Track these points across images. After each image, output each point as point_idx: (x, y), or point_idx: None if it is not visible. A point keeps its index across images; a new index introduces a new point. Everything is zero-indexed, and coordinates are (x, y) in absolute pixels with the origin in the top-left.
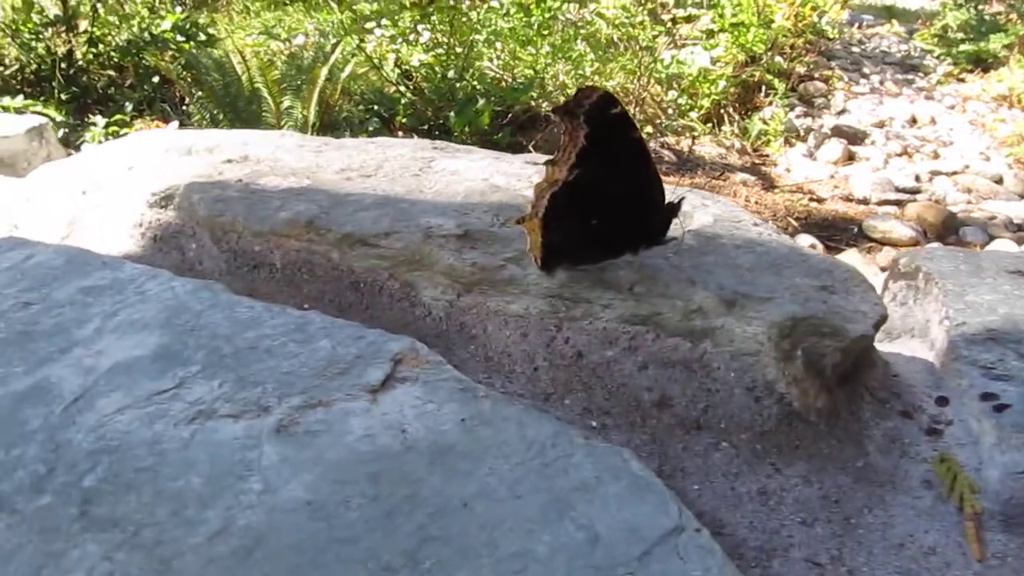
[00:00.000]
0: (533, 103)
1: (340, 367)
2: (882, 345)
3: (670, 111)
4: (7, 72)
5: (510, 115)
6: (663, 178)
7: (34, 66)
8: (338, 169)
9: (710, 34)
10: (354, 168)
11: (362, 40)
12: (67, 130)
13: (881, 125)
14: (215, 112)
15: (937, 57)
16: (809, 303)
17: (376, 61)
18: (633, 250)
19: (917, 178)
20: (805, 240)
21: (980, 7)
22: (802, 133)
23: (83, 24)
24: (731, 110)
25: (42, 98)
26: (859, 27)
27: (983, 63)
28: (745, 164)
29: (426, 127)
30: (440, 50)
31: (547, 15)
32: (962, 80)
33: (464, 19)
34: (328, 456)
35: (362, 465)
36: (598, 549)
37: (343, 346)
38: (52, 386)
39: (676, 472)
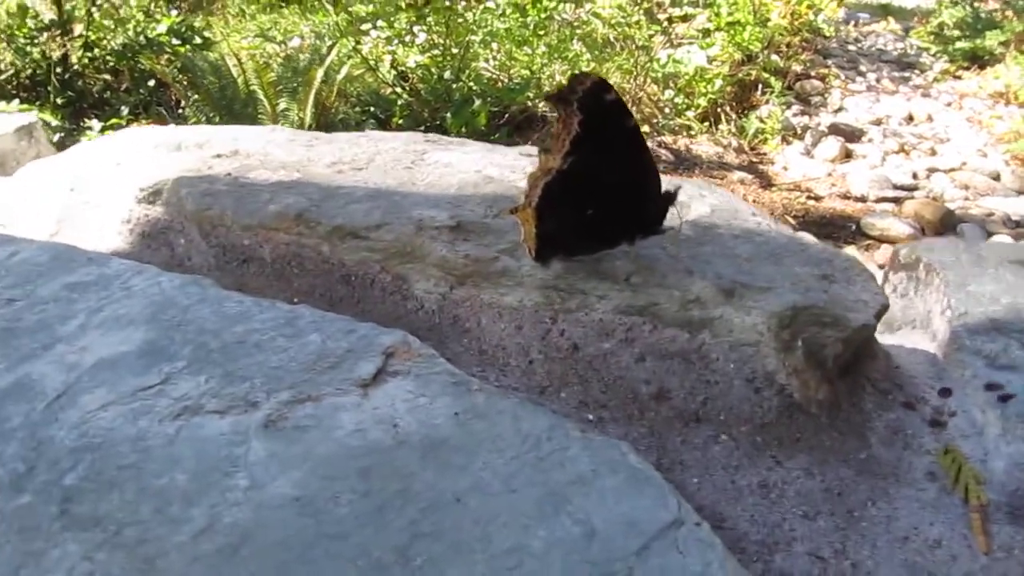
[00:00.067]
0: (530, 103)
1: (330, 361)
2: (883, 337)
3: (667, 110)
4: (2, 77)
5: (507, 115)
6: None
7: (29, 71)
8: (329, 163)
9: (706, 33)
10: (345, 161)
11: (358, 42)
12: (63, 134)
13: (878, 123)
14: (211, 115)
15: (933, 54)
16: (809, 292)
17: (372, 63)
18: (629, 240)
19: (915, 175)
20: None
21: (976, 4)
22: (799, 131)
23: (78, 28)
24: (728, 109)
25: (38, 103)
26: (855, 25)
27: (979, 60)
28: (742, 163)
29: (423, 128)
30: (436, 51)
31: (543, 15)
32: (959, 77)
33: (460, 20)
34: (317, 451)
35: (352, 460)
36: (595, 543)
37: (333, 340)
38: (34, 383)
39: (675, 465)
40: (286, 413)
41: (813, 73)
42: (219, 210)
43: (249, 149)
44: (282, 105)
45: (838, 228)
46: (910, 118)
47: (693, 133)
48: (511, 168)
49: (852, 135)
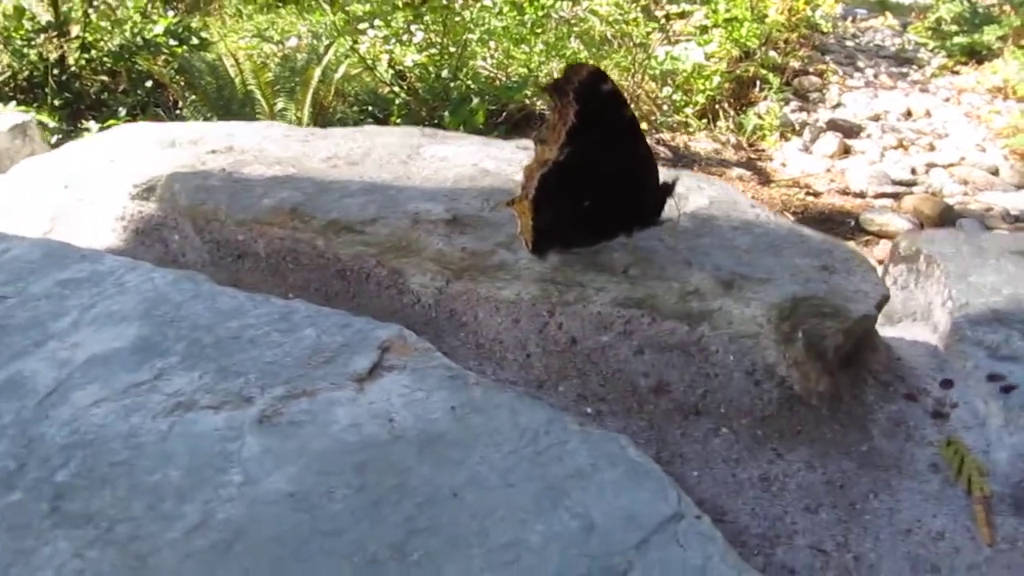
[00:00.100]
0: (527, 101)
1: (325, 356)
2: (883, 330)
3: (665, 107)
4: None
5: (504, 114)
6: None
7: (26, 72)
8: (324, 157)
9: (704, 30)
10: (341, 156)
11: (355, 41)
12: (60, 136)
13: (876, 118)
14: (209, 115)
15: (931, 50)
16: (809, 283)
17: (370, 62)
18: (627, 232)
19: (913, 171)
20: None
21: None
22: (797, 127)
23: (75, 30)
24: (726, 105)
25: (35, 104)
26: (853, 20)
27: (977, 55)
28: (740, 159)
29: (421, 127)
30: (434, 50)
31: (540, 13)
32: (957, 72)
33: (457, 18)
34: (312, 447)
35: (348, 455)
36: (593, 537)
37: (328, 335)
38: (25, 380)
39: (675, 458)
40: (280, 408)
41: (811, 69)
42: (213, 205)
43: (244, 145)
44: (279, 105)
45: (837, 224)
46: (908, 114)
47: (691, 130)
48: (508, 161)
49: (850, 131)
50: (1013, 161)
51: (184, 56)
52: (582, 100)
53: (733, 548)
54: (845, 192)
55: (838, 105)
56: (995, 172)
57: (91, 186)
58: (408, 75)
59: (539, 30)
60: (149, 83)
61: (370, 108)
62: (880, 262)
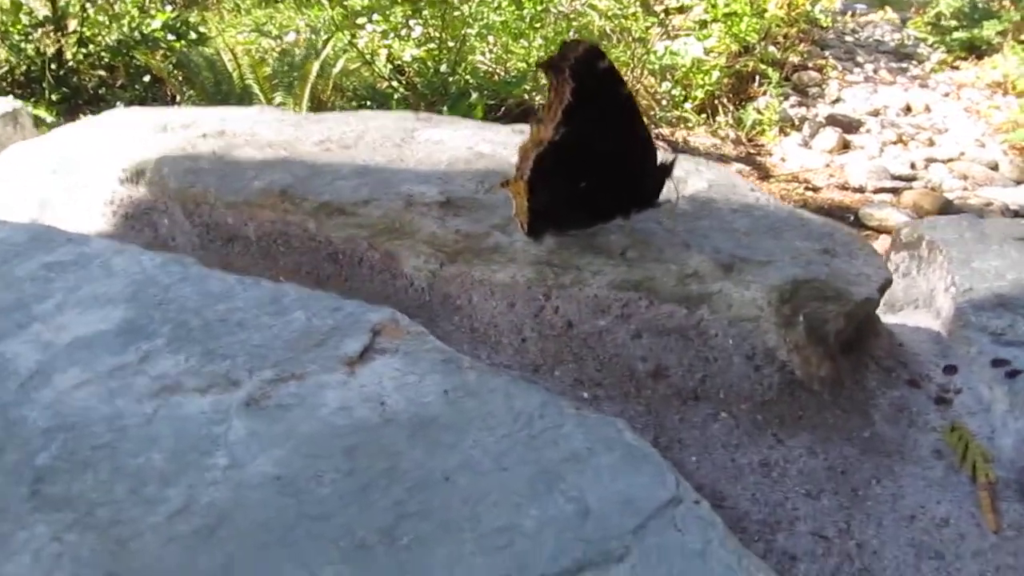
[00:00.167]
0: (526, 96)
1: (315, 339)
2: (885, 317)
3: (664, 102)
4: None
5: (503, 109)
6: None
7: (24, 67)
8: (317, 141)
9: (703, 24)
10: (333, 140)
11: (353, 36)
12: None
13: (876, 114)
14: None
15: (931, 45)
16: (811, 266)
17: (368, 57)
18: (624, 214)
19: (913, 166)
20: None
21: None
22: (797, 122)
23: (72, 24)
24: (725, 100)
25: (32, 99)
26: (852, 15)
27: (977, 50)
28: (740, 154)
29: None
30: (432, 45)
31: (539, 8)
32: (956, 68)
33: (456, 13)
34: (300, 430)
35: (337, 439)
36: (589, 522)
37: (319, 317)
38: (7, 362)
39: (673, 444)
40: (269, 391)
41: (810, 64)
42: (202, 188)
43: (236, 129)
44: (277, 99)
45: (836, 219)
46: (908, 109)
47: (690, 125)
48: (503, 144)
49: (850, 126)
50: (1012, 156)
51: (182, 51)
52: (578, 78)
53: (733, 534)
54: (844, 187)
55: (837, 100)
56: (994, 167)
57: (81, 171)
58: (406, 70)
59: (538, 25)
60: (147, 78)
61: (368, 103)
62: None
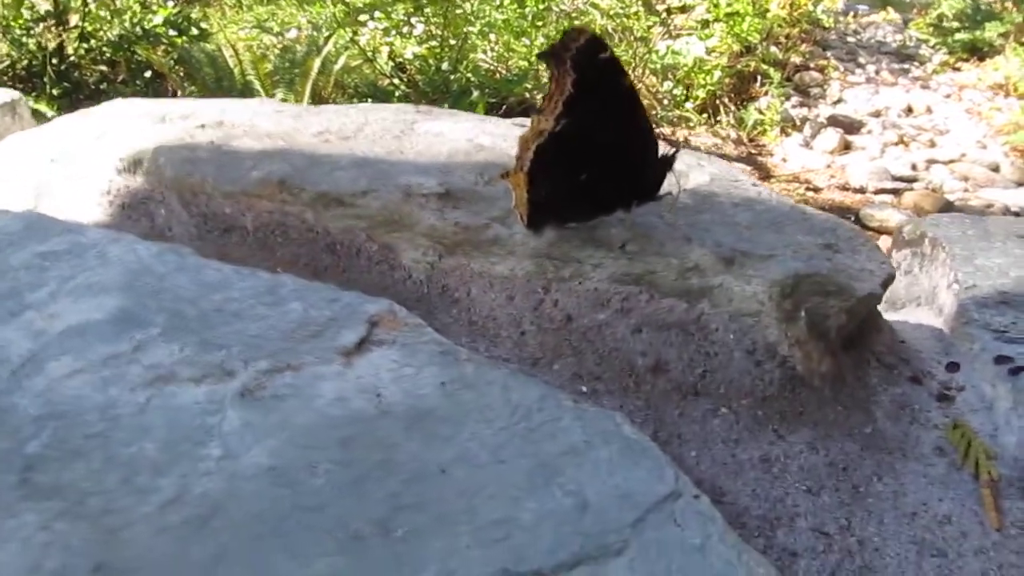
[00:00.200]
0: (528, 95)
1: (312, 330)
2: (886, 315)
3: (665, 102)
4: None
5: (504, 107)
6: None
7: (25, 62)
8: (316, 132)
9: (705, 24)
10: (333, 131)
11: (355, 33)
12: None
13: (877, 114)
14: None
15: (933, 46)
16: (812, 261)
17: (369, 54)
18: (625, 207)
19: (914, 167)
20: None
21: None
22: (798, 123)
23: (74, 19)
24: (727, 100)
25: (33, 94)
26: (854, 16)
27: (979, 52)
28: (741, 154)
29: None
30: (434, 42)
31: (541, 6)
32: (958, 69)
33: (458, 11)
34: (295, 421)
35: (332, 430)
36: (587, 516)
37: (316, 308)
38: None
39: (672, 439)
40: (264, 382)
41: (812, 64)
42: (199, 177)
43: (234, 120)
44: (279, 96)
45: None
46: (909, 110)
47: (692, 125)
48: (503, 137)
49: (851, 127)
50: (1014, 158)
51: (183, 47)
52: (580, 68)
53: (733, 529)
54: (845, 188)
55: (839, 101)
56: (996, 169)
57: (78, 161)
58: (408, 67)
59: (540, 23)
60: (148, 73)
61: (370, 100)
62: None
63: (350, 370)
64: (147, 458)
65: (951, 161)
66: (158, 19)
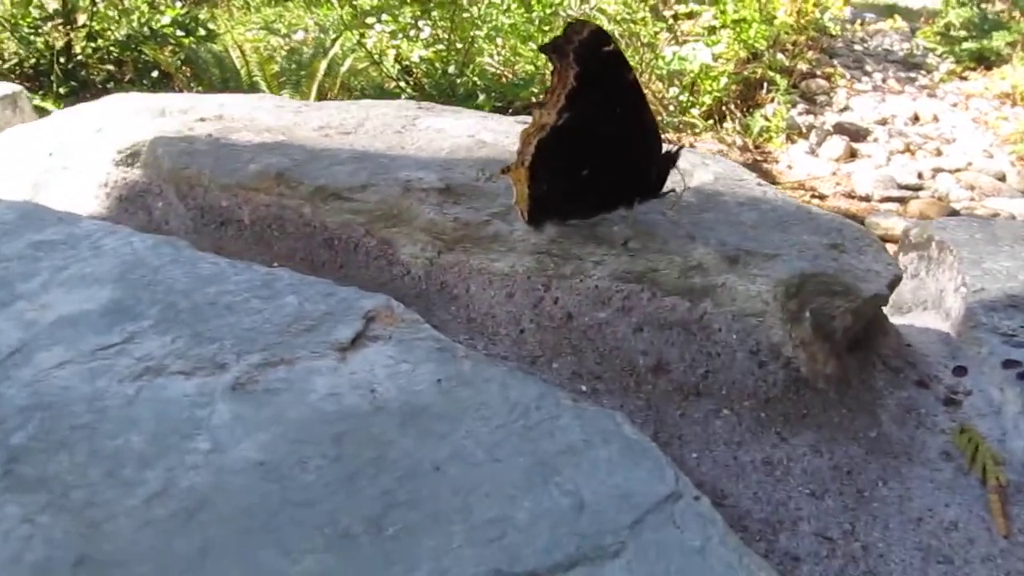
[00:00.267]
0: (534, 99)
1: (307, 324)
2: (892, 319)
3: (671, 108)
4: (5, 66)
5: (511, 111)
6: None
7: (33, 60)
8: (316, 127)
9: (712, 30)
10: (333, 126)
11: (362, 35)
12: None
13: (884, 122)
14: None
15: (940, 55)
16: (818, 260)
17: (376, 56)
18: (627, 204)
19: (920, 175)
20: None
21: (983, 5)
22: (804, 130)
23: (82, 18)
24: (733, 107)
25: (40, 92)
26: (861, 24)
27: (986, 61)
28: (747, 161)
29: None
30: (440, 46)
31: (548, 11)
32: (965, 78)
33: (465, 15)
34: (287, 415)
35: (325, 425)
36: (584, 516)
37: (311, 303)
38: None
39: (673, 440)
40: (256, 376)
41: (819, 72)
42: (196, 170)
43: (234, 114)
44: (285, 97)
45: None
46: (916, 118)
47: (698, 131)
48: (506, 134)
49: (857, 134)
50: (1020, 167)
51: (191, 47)
52: (583, 61)
53: (734, 532)
54: (851, 195)
55: (845, 108)
56: (1002, 178)
57: (77, 154)
58: (414, 70)
59: (546, 27)
60: (155, 73)
61: None
62: None
63: (345, 365)
64: (133, 450)
65: (957, 170)
66: (166, 19)
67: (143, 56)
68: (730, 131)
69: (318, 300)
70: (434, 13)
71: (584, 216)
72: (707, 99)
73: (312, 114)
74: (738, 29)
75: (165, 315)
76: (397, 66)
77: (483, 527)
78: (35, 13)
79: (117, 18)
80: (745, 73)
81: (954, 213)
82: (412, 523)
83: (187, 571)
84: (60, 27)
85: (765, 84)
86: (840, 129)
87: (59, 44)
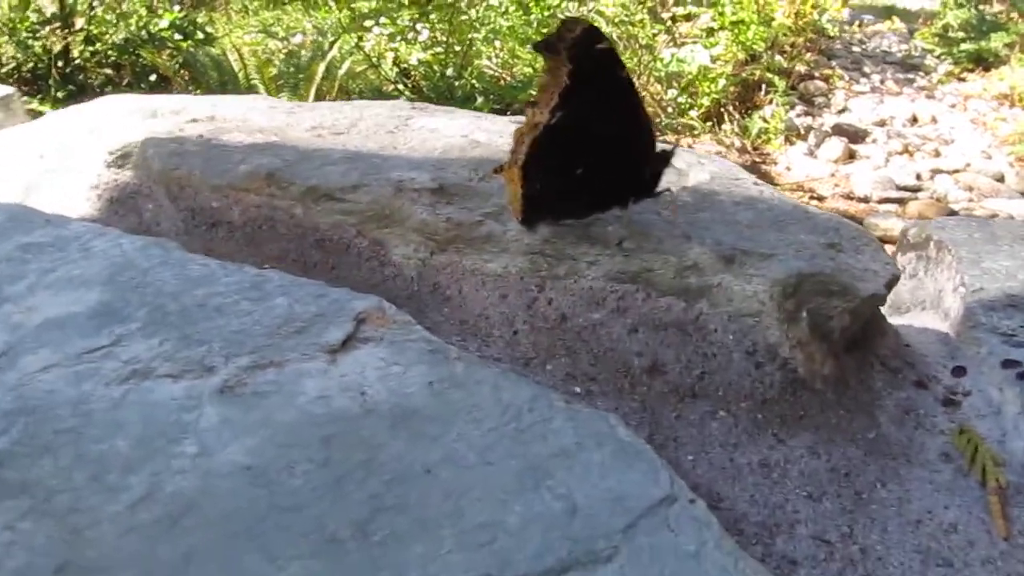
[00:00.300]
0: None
1: (297, 326)
2: (891, 319)
3: (670, 110)
4: (3, 70)
5: (509, 113)
6: None
7: (31, 64)
8: (309, 127)
9: (710, 32)
10: (326, 126)
11: (360, 38)
12: None
13: (882, 124)
14: None
15: (938, 56)
16: (815, 260)
17: (374, 59)
18: (622, 203)
19: (918, 176)
20: None
21: (981, 6)
22: (803, 132)
23: (80, 22)
24: (731, 109)
25: (38, 96)
26: (859, 26)
27: (984, 62)
28: (745, 163)
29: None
30: (439, 48)
31: (546, 13)
32: (963, 79)
33: (463, 17)
34: (276, 419)
35: (314, 428)
36: (577, 520)
37: (302, 304)
38: None
39: (668, 442)
40: (245, 379)
41: (817, 74)
42: (187, 170)
43: (226, 115)
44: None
45: None
46: (914, 119)
47: (696, 133)
48: (500, 134)
49: (856, 136)
50: (1018, 168)
51: (189, 50)
52: (576, 59)
53: (730, 535)
54: (849, 197)
55: (844, 110)
56: (1000, 179)
57: (68, 156)
58: (413, 73)
59: (545, 30)
60: (153, 77)
61: None
62: None
63: (335, 368)
64: (119, 455)
65: (956, 171)
66: (164, 23)
67: (141, 60)
68: (728, 133)
69: (309, 302)
70: (432, 16)
71: (578, 216)
72: (705, 101)
73: (305, 115)
74: (736, 31)
75: (153, 317)
76: (395, 69)
77: (473, 531)
78: (33, 17)
79: (115, 22)
80: (743, 75)
81: (953, 214)
82: (401, 528)
83: None
84: (58, 31)
85: (763, 86)
86: (838, 130)
87: (57, 48)
